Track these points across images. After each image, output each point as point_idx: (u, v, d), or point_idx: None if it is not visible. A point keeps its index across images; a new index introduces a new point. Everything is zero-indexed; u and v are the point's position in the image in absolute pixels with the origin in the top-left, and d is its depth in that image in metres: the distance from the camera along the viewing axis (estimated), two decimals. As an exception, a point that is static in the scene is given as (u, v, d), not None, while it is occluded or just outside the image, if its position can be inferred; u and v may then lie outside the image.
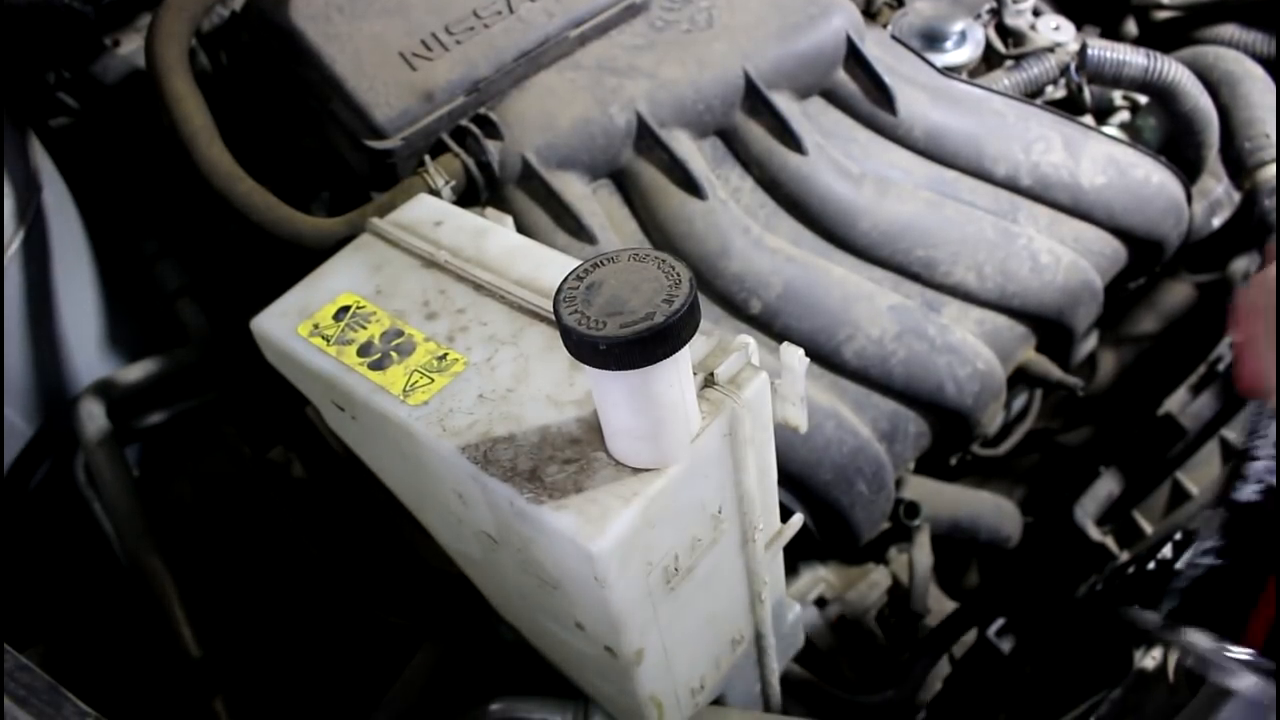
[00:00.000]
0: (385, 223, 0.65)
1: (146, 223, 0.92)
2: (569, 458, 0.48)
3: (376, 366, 0.55)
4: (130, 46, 0.90)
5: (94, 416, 0.80)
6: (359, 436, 0.60)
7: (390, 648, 0.81)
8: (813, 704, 0.83)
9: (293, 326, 0.59)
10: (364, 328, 0.58)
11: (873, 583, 0.92)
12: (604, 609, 0.49)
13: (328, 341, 0.58)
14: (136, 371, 0.85)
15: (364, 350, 0.57)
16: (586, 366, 0.41)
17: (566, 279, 0.42)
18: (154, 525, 0.80)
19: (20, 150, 0.81)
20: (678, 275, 0.41)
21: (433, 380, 0.54)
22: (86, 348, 0.88)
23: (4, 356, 0.78)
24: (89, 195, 0.89)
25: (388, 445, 0.56)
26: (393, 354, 0.56)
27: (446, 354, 0.55)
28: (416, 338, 0.57)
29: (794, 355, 0.51)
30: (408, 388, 0.54)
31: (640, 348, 0.39)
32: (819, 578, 0.92)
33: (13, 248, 0.77)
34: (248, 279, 0.94)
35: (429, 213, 0.66)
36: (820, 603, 0.91)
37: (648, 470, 0.47)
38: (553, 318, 0.53)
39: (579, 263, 0.59)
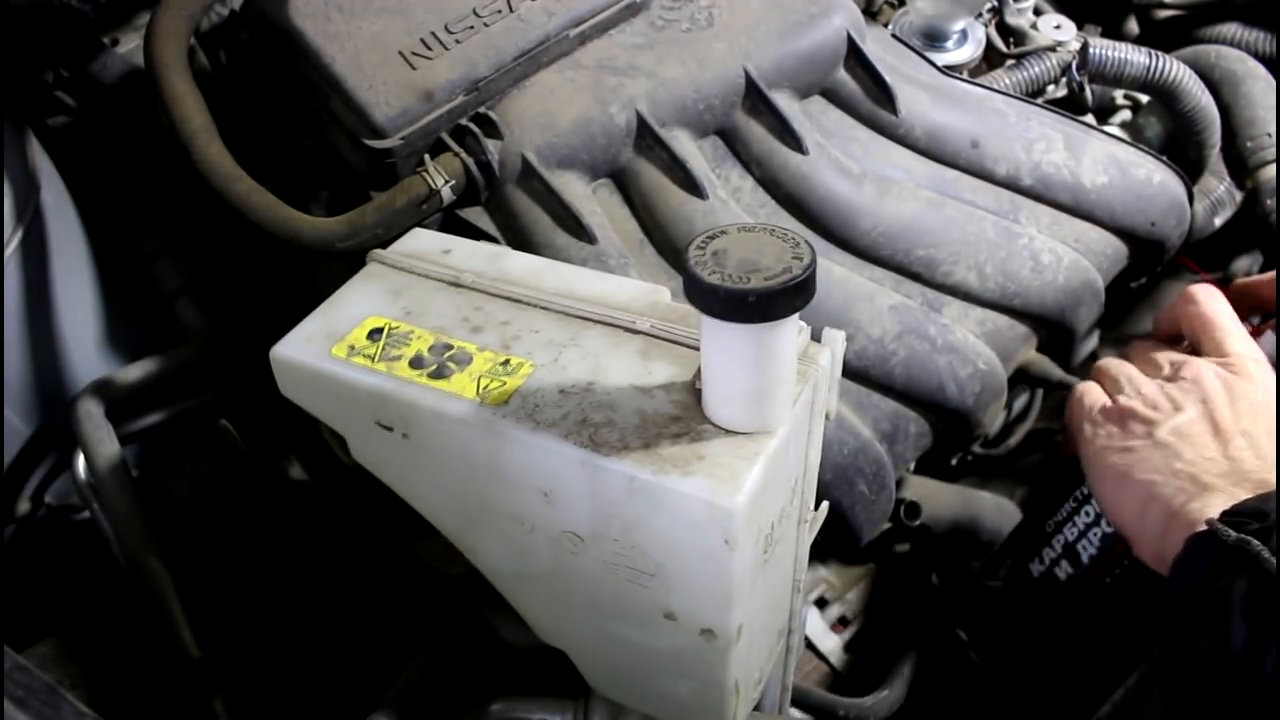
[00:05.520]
0: (391, 253, 0.64)
1: (145, 222, 0.92)
2: (677, 432, 0.49)
3: (437, 376, 0.54)
4: (129, 45, 0.90)
5: (92, 416, 0.80)
6: (406, 458, 0.57)
7: (390, 648, 0.81)
8: (809, 706, 0.82)
9: (325, 349, 0.56)
10: (407, 344, 0.56)
11: (873, 583, 0.92)
12: (723, 578, 0.49)
13: (372, 360, 0.55)
14: (135, 371, 0.85)
15: (416, 364, 0.54)
16: (720, 327, 0.44)
17: (688, 249, 0.44)
18: (153, 525, 0.80)
19: (18, 149, 0.81)
20: (794, 239, 0.44)
21: (505, 383, 0.53)
22: (85, 347, 0.88)
23: (2, 356, 0.78)
24: (88, 194, 0.89)
25: (449, 460, 0.54)
26: (450, 365, 0.54)
27: (509, 360, 0.54)
28: (469, 349, 0.55)
29: (836, 338, 0.53)
30: (481, 391, 0.52)
31: (785, 297, 0.42)
32: (819, 578, 0.92)
33: (11, 247, 0.77)
34: (247, 279, 0.94)
35: (433, 242, 0.65)
36: (820, 603, 0.91)
37: (757, 434, 0.49)
38: (607, 321, 0.56)
39: (602, 274, 0.60)
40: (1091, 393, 0.75)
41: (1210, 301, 0.75)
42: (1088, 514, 0.79)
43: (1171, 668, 0.57)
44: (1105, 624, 0.79)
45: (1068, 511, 0.81)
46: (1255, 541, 0.53)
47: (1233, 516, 0.56)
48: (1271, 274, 0.81)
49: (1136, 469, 0.67)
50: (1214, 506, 0.59)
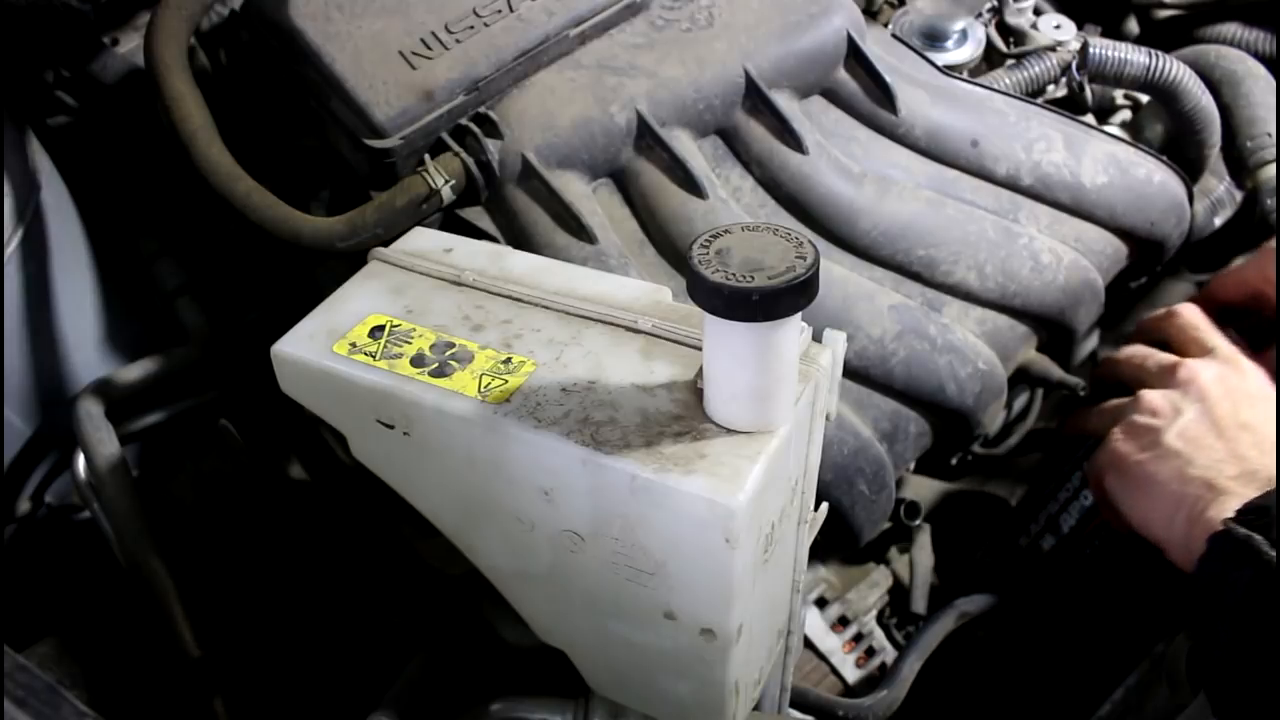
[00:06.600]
0: (393, 251, 0.64)
1: (145, 222, 0.92)
2: (679, 431, 0.49)
3: (439, 374, 0.54)
4: (129, 45, 0.90)
5: (92, 416, 0.80)
6: (407, 456, 0.57)
7: (390, 648, 0.81)
8: (808, 706, 0.82)
9: (326, 347, 0.56)
10: (409, 342, 0.56)
11: (873, 583, 0.92)
12: (723, 578, 0.49)
13: (373, 357, 0.55)
14: (136, 371, 0.85)
15: (418, 362, 0.54)
16: (723, 325, 0.44)
17: (693, 248, 0.44)
18: (153, 525, 0.80)
19: (19, 149, 0.81)
20: (797, 238, 0.45)
21: (506, 381, 0.53)
22: (85, 347, 0.88)
23: (2, 356, 0.78)
24: (88, 194, 0.89)
25: (449, 458, 0.54)
26: (452, 363, 0.54)
27: (510, 358, 0.54)
28: (471, 347, 0.55)
29: (837, 339, 0.53)
30: (482, 389, 0.53)
31: (789, 297, 0.42)
32: (819, 578, 0.92)
33: (11, 247, 0.77)
34: (247, 279, 0.94)
35: (435, 240, 0.65)
36: (820, 603, 0.91)
37: (759, 433, 0.49)
38: (608, 320, 0.56)
39: (603, 274, 0.60)
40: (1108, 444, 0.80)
41: (1188, 313, 0.83)
42: (1068, 489, 0.84)
43: (1197, 655, 0.63)
44: (1091, 592, 0.84)
45: (1051, 489, 0.86)
46: (1258, 536, 0.58)
47: (1242, 515, 0.61)
48: (1224, 272, 0.87)
49: (1154, 480, 0.72)
50: (1230, 509, 0.64)
